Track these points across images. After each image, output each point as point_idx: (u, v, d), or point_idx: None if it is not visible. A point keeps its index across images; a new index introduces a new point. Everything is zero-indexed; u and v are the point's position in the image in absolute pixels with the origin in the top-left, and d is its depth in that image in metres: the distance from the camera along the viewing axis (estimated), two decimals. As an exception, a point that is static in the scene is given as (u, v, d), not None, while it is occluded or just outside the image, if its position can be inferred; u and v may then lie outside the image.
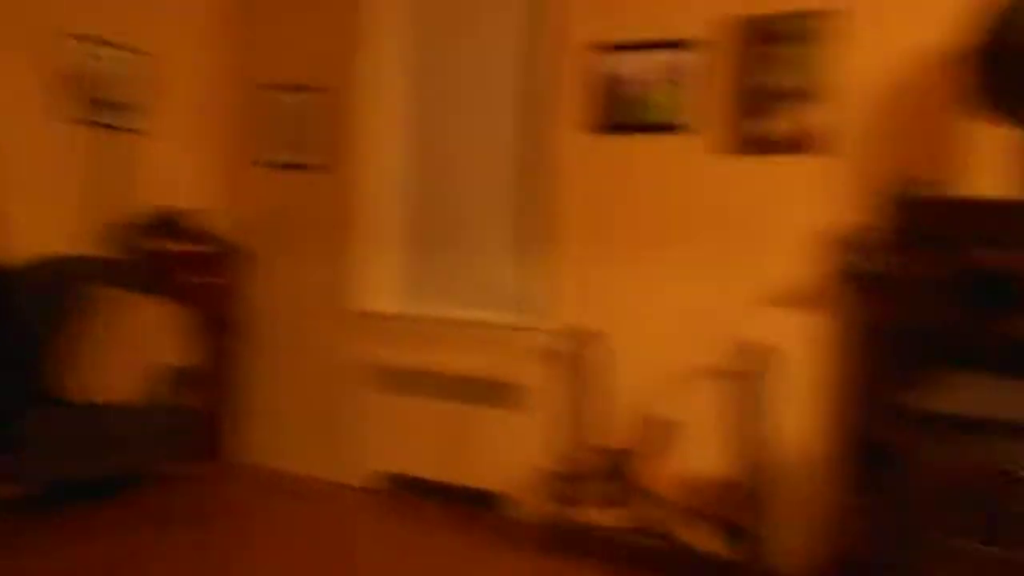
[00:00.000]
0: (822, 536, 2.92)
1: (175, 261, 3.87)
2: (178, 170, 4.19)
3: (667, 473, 3.15)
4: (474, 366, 3.65)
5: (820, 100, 2.97)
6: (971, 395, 2.15)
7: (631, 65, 3.29)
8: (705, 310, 3.19)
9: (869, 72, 2.91)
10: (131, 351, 3.38)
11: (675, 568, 3.01)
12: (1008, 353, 2.21)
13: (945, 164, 2.77)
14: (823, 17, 2.95)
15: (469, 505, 3.63)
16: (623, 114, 3.33)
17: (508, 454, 3.58)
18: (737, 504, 2.89)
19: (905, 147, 2.86)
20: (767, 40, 3.04)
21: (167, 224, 3.96)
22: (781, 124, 3.03)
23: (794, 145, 3.01)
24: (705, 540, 2.96)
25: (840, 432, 2.89)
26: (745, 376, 2.90)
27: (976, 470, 2.08)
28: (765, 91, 3.05)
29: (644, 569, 3.02)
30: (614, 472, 3.16)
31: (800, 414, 3.01)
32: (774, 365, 2.99)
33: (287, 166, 4.14)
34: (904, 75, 2.86)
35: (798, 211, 3.02)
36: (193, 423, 3.60)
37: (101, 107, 3.83)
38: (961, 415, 2.09)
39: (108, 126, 3.87)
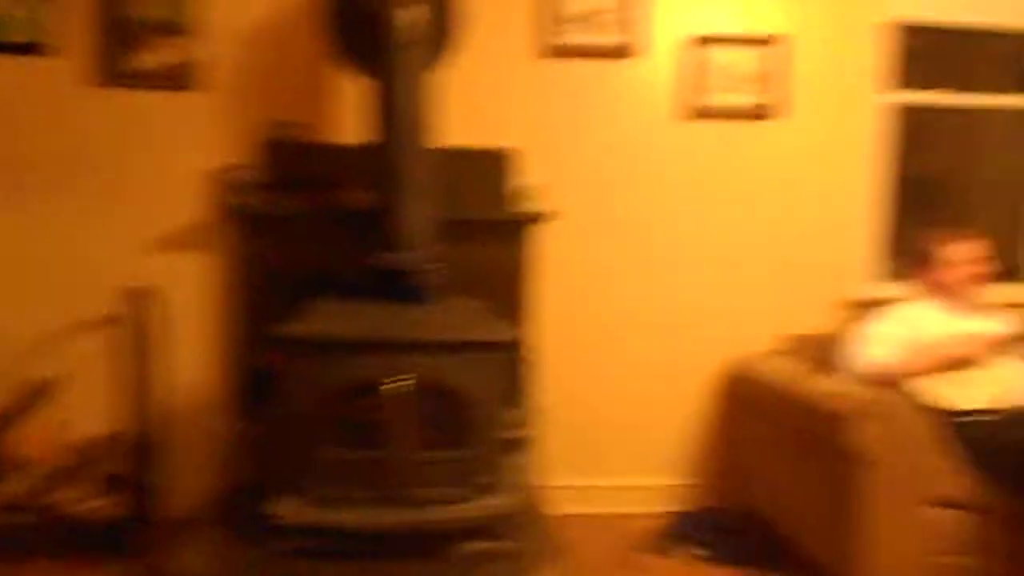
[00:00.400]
0: (216, 471, 2.94)
1: None
2: None
3: (44, 437, 2.80)
4: None
5: (194, 35, 2.87)
6: (339, 319, 2.34)
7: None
8: (84, 257, 2.92)
9: (244, 11, 2.91)
10: None
11: (56, 540, 2.72)
12: (370, 280, 2.46)
13: (315, 109, 2.95)
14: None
15: None
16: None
17: None
18: (125, 457, 2.73)
19: (280, 91, 2.95)
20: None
21: None
22: (154, 57, 2.86)
23: (169, 80, 2.88)
24: (91, 502, 2.74)
25: (229, 366, 2.93)
26: (131, 323, 2.72)
27: (344, 384, 2.26)
28: (135, 21, 2.83)
29: (24, 547, 2.66)
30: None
31: (194, 355, 2.97)
32: (162, 309, 2.87)
33: None
34: (279, 18, 2.93)
35: (177, 149, 2.92)
36: None
37: None
38: (329, 337, 2.26)
39: None
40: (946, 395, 2.52)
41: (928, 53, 3.51)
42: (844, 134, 3.22)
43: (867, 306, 3.01)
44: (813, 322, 3.15)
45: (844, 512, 2.41)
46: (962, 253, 2.72)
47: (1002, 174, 3.67)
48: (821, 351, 3.03)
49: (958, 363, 2.59)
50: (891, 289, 3.08)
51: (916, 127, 3.87)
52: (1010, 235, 3.61)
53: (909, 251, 2.91)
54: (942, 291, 2.76)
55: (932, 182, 4.00)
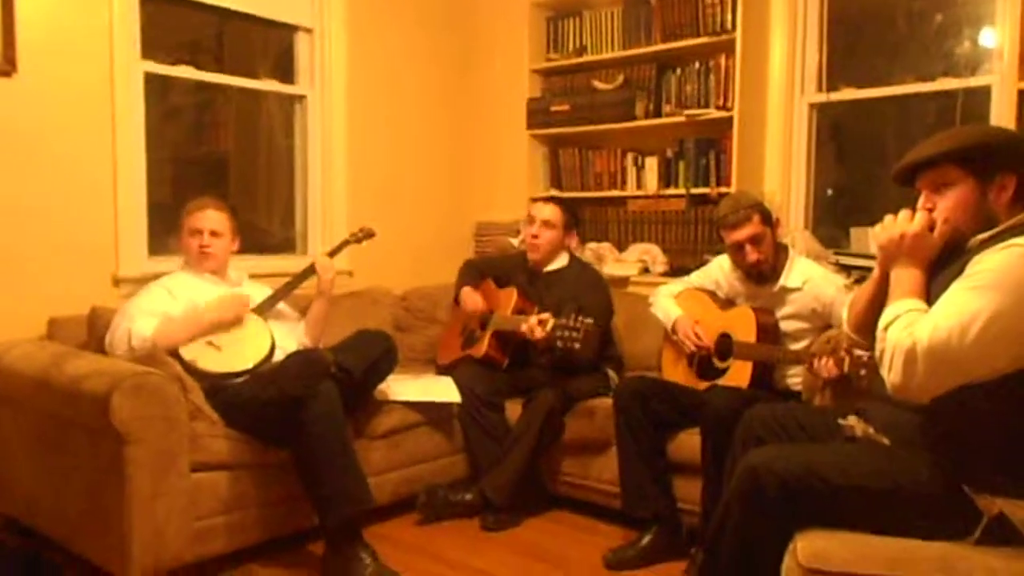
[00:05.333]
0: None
1: None
2: None
3: None
4: None
5: None
6: None
7: None
8: None
9: None
10: None
11: None
12: None
13: None
14: None
15: None
16: None
17: None
18: None
19: None
20: None
21: None
22: None
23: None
24: None
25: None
26: None
27: None
28: None
29: None
30: None
31: None
32: None
33: None
34: None
35: None
36: None
37: None
38: None
39: None
40: (205, 360, 2.60)
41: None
42: (101, 103, 3.03)
43: (140, 282, 2.92)
44: (81, 302, 2.91)
45: (111, 497, 2.28)
46: (194, 220, 2.82)
47: (278, 155, 3.99)
48: (90, 331, 2.84)
49: (218, 327, 2.69)
50: (165, 264, 3.06)
51: (201, 107, 3.97)
52: (287, 211, 3.95)
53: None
54: (198, 260, 2.84)
55: (216, 160, 4.15)
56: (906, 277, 1.70)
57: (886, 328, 1.63)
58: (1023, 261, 1.52)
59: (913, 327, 1.57)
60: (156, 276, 2.87)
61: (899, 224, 1.73)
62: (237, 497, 2.50)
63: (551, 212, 3.29)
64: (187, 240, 2.84)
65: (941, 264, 1.71)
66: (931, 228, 1.71)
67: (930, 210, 1.74)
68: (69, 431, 2.43)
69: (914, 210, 1.75)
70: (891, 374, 1.58)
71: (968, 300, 1.53)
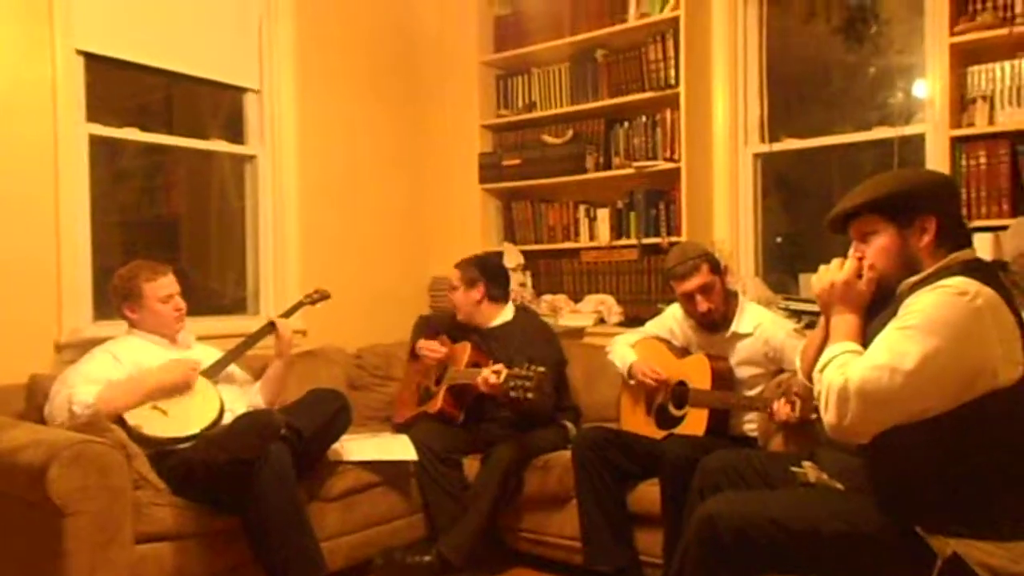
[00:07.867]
0: None
1: None
2: None
3: None
4: None
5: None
6: None
7: None
8: None
9: None
10: None
11: None
12: None
13: None
14: None
15: None
16: None
17: None
18: None
19: None
20: None
21: None
22: None
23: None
24: None
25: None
26: None
27: None
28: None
29: None
30: None
31: None
32: None
33: None
34: None
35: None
36: None
37: None
38: None
39: None
40: (151, 425, 2.52)
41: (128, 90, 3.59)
42: (43, 166, 2.97)
43: (83, 348, 2.84)
44: (20, 369, 2.81)
45: (48, 574, 2.17)
46: (161, 287, 2.76)
47: (230, 215, 3.95)
48: (29, 401, 2.75)
49: (166, 392, 2.61)
50: (111, 329, 2.98)
51: (152, 170, 3.94)
52: (239, 272, 3.90)
53: (122, 288, 2.83)
54: (148, 324, 2.77)
55: (168, 222, 4.10)
56: (842, 323, 1.75)
57: (821, 370, 1.66)
58: (951, 301, 1.56)
59: (846, 367, 1.60)
60: (101, 341, 2.79)
61: (830, 273, 1.79)
62: (183, 568, 2.39)
63: (452, 274, 3.42)
64: (158, 308, 2.74)
65: (876, 308, 1.75)
66: (860, 275, 1.76)
67: (860, 258, 1.79)
68: (4, 505, 2.33)
69: (847, 258, 1.80)
70: (827, 414, 1.60)
71: (899, 340, 1.56)
